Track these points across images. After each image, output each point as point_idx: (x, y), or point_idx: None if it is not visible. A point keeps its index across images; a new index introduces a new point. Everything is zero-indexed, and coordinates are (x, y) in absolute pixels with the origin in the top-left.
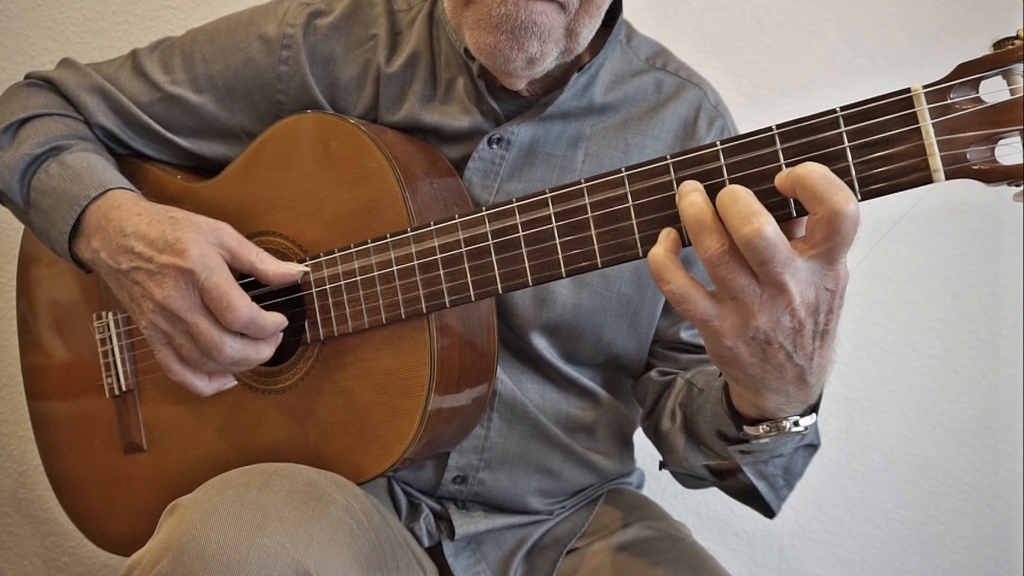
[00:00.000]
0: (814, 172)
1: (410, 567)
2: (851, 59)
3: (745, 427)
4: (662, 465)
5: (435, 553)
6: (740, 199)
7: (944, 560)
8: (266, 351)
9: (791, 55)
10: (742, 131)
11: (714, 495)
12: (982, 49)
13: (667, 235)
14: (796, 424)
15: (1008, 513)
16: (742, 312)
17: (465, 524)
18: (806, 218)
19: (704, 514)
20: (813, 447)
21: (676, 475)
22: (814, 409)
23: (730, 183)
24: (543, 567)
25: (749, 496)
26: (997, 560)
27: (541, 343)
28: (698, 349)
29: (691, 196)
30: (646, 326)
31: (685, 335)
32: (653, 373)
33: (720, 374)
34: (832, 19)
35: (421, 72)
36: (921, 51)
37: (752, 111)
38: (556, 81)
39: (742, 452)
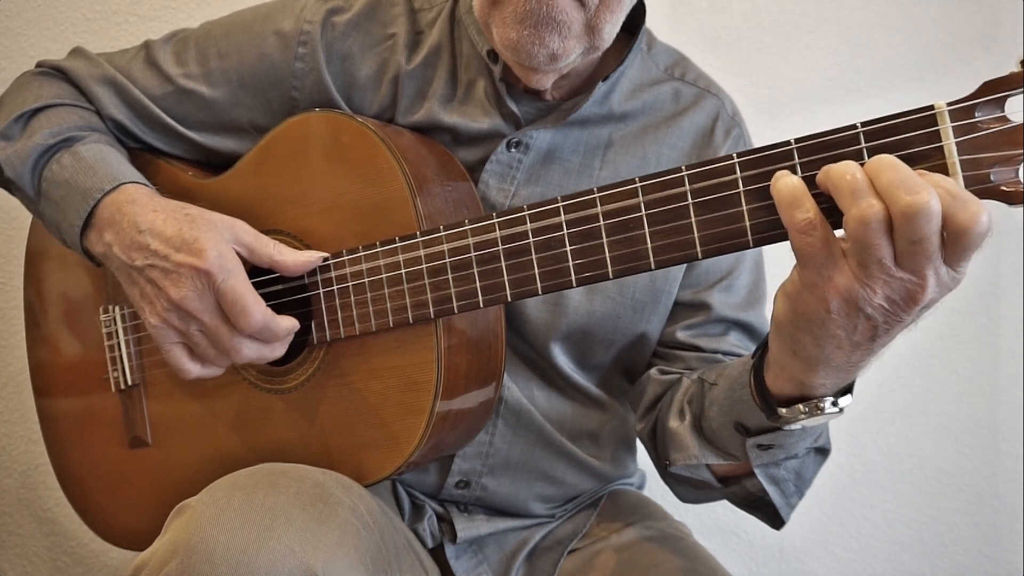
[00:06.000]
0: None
1: (414, 568)
2: (851, 59)
3: (780, 409)
4: (663, 467)
5: (437, 554)
6: (901, 168)
7: (944, 560)
8: (280, 350)
9: (791, 55)
10: (747, 134)
11: None
12: (982, 47)
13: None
14: (834, 404)
15: (1008, 513)
16: (863, 280)
17: (467, 527)
18: None
19: (704, 514)
20: (824, 452)
21: (675, 486)
22: (849, 390)
23: (745, 196)
24: (544, 568)
25: (754, 504)
26: (997, 560)
27: (557, 351)
28: (695, 348)
29: (843, 164)
30: (655, 331)
31: (681, 335)
32: (653, 372)
33: (759, 354)
34: (832, 19)
35: (441, 72)
36: (922, 51)
37: (752, 111)
38: (579, 87)
39: (760, 447)
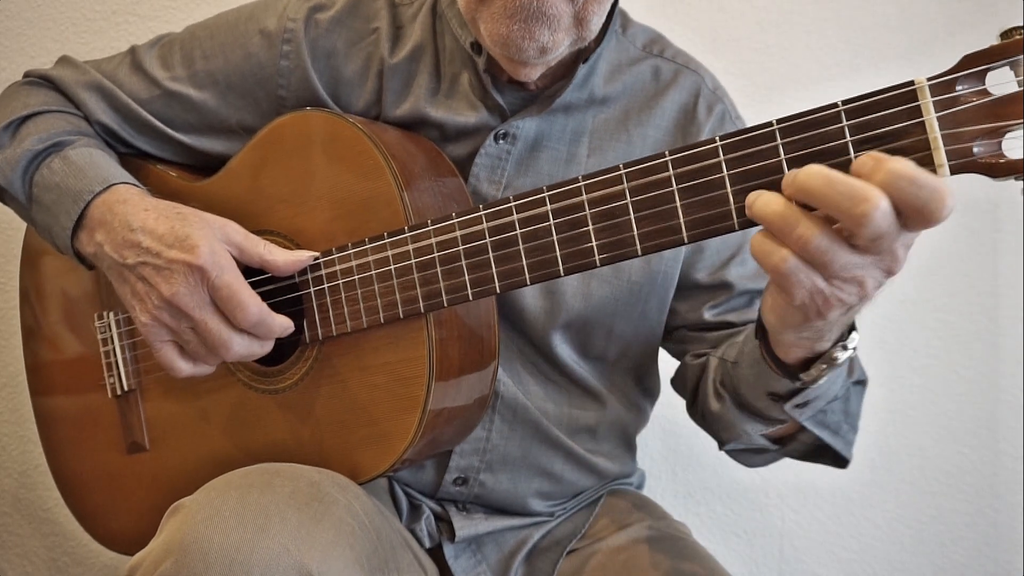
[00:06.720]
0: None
1: (411, 568)
2: (851, 59)
3: (802, 376)
4: (721, 446)
5: (436, 554)
6: (839, 179)
7: (944, 560)
8: (268, 346)
9: (791, 55)
10: (732, 108)
11: (713, 495)
12: (981, 47)
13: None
14: (844, 348)
15: (1008, 513)
16: (852, 288)
17: (465, 526)
18: None
19: (704, 514)
20: (863, 383)
21: (737, 455)
22: (852, 328)
23: (729, 179)
24: (544, 568)
25: (816, 453)
26: (997, 560)
27: (558, 341)
28: (724, 325)
29: (763, 195)
30: (656, 315)
31: (708, 315)
32: (687, 358)
33: (760, 332)
34: (832, 19)
35: (425, 66)
36: (921, 51)
37: (752, 111)
38: (560, 74)
39: (798, 406)
